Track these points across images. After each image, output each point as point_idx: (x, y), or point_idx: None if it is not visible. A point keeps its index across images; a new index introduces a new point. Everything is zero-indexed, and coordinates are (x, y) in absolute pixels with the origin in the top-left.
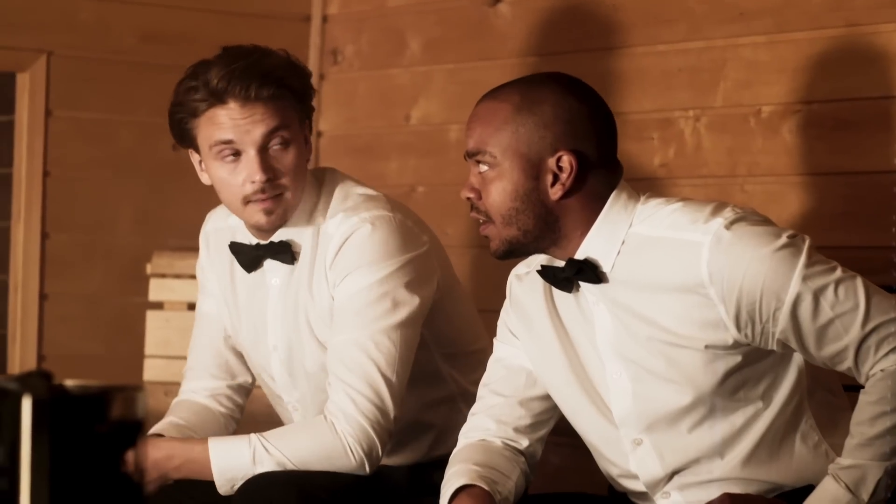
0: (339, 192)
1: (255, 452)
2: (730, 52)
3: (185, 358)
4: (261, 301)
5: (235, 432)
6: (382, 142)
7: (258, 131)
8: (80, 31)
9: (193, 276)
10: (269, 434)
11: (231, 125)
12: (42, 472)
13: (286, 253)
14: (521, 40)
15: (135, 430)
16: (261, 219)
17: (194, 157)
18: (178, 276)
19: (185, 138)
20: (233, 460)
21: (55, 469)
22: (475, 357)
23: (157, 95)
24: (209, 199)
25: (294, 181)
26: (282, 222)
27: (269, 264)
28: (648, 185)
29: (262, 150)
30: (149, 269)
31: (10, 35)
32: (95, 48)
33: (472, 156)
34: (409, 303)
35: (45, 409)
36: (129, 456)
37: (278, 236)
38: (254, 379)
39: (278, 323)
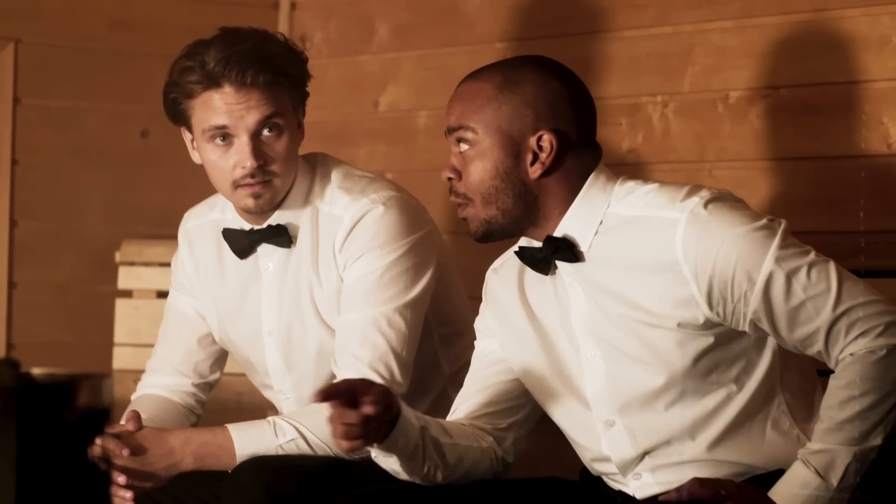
0: (336, 175)
1: (275, 426)
2: (698, 37)
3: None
4: (254, 288)
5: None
6: (351, 128)
7: (252, 118)
8: (48, 18)
9: (163, 265)
10: (285, 414)
11: (225, 110)
12: (8, 459)
13: (282, 236)
14: (490, 26)
15: (101, 417)
16: (249, 203)
17: (186, 136)
18: (147, 265)
19: (179, 118)
20: (255, 435)
21: (21, 456)
22: (464, 339)
23: (126, 83)
24: (178, 187)
25: (284, 167)
26: (270, 207)
27: (263, 249)
28: (617, 171)
29: (255, 136)
30: (118, 257)
31: None
32: (64, 36)
33: (454, 131)
34: (420, 282)
35: (11, 397)
36: (96, 443)
37: (274, 219)
38: (222, 372)
39: (274, 308)
